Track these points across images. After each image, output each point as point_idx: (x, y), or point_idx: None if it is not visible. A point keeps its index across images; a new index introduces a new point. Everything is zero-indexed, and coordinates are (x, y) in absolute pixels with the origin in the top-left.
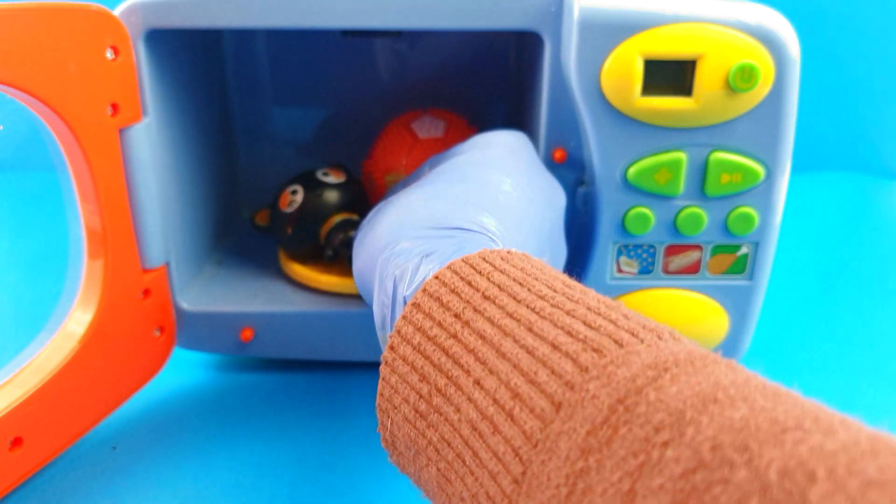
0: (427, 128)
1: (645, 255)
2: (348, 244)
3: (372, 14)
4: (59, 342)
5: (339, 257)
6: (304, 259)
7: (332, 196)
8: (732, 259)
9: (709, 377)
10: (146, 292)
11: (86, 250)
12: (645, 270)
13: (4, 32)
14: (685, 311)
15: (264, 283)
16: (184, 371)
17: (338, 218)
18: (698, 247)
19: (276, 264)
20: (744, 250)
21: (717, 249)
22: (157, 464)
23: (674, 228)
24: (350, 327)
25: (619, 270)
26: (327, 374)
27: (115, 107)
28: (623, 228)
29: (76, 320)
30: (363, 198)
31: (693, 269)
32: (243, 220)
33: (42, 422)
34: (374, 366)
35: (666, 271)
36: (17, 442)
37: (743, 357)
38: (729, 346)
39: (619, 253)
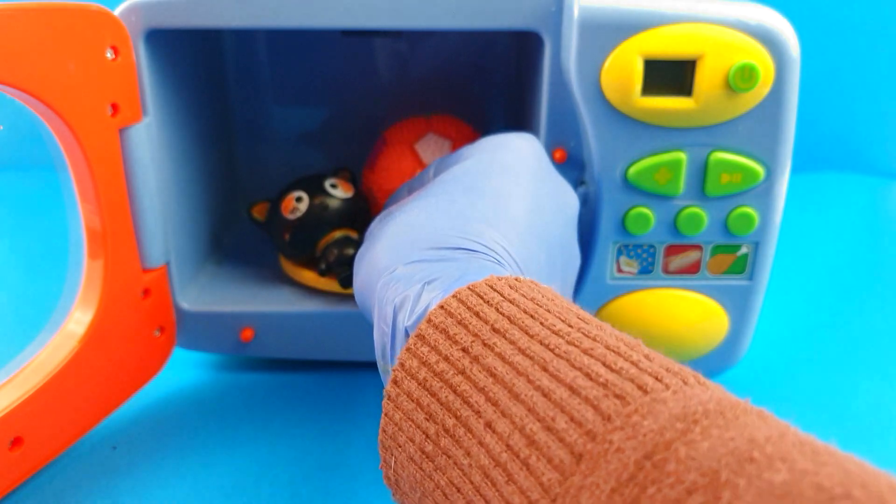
0: (432, 150)
1: (645, 255)
2: (343, 262)
3: (372, 14)
4: (59, 342)
5: (332, 273)
6: (303, 261)
7: (336, 211)
8: (732, 259)
9: (742, 431)
10: (146, 292)
11: (86, 250)
12: (645, 270)
13: (4, 32)
14: (685, 312)
15: (264, 283)
16: (184, 371)
17: (338, 234)
18: (698, 247)
19: (277, 264)
20: (744, 250)
21: (717, 249)
22: (157, 464)
23: (674, 228)
24: (350, 327)
25: (619, 270)
26: (327, 373)
27: (115, 107)
28: (623, 228)
29: (76, 320)
30: (367, 214)
31: (693, 269)
32: (243, 220)
33: (42, 421)
34: (374, 365)
35: (666, 271)
36: (17, 442)
37: (742, 357)
38: (728, 347)
39: (620, 253)
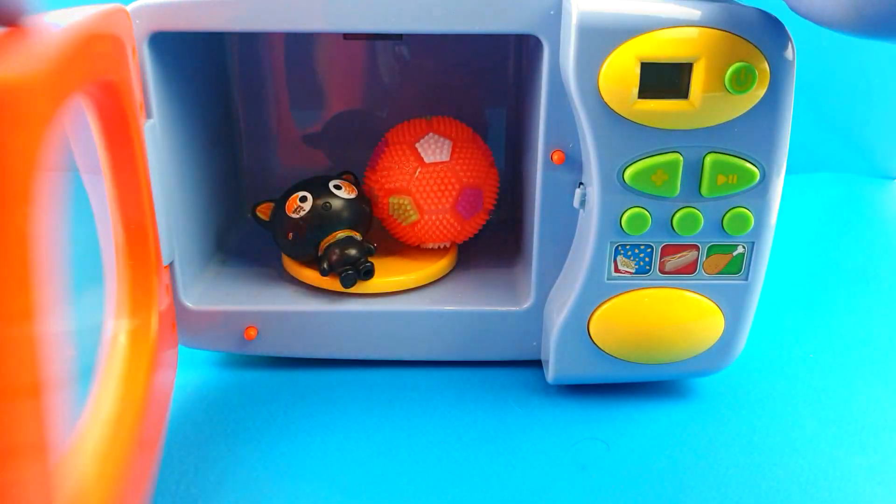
0: (432, 149)
1: (642, 255)
2: (345, 262)
3: (373, 18)
4: None
5: (333, 273)
6: (306, 260)
7: (339, 212)
8: (728, 259)
9: None
10: None
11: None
12: (642, 270)
13: (88, 42)
14: (681, 311)
15: (268, 282)
16: (187, 369)
17: (340, 234)
18: (695, 247)
19: (280, 264)
20: (739, 250)
21: (713, 249)
22: (158, 463)
23: (670, 228)
24: (353, 326)
25: (617, 270)
26: (331, 372)
27: None
28: (620, 228)
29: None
30: (369, 216)
31: (689, 268)
32: (247, 221)
33: None
34: (376, 364)
35: (662, 271)
36: None
37: (738, 357)
38: (724, 346)
39: (617, 252)
